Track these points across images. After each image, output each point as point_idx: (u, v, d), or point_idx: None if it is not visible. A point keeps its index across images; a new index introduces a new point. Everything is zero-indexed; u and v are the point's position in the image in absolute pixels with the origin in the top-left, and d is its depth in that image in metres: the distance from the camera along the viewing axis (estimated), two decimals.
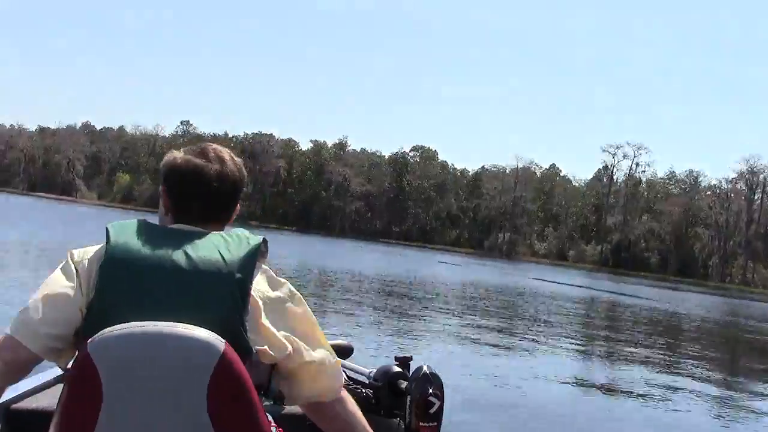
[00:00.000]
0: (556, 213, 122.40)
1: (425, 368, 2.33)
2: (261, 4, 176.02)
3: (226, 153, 1.77)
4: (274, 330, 1.60)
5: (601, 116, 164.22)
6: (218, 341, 1.42)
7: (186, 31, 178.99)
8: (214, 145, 1.80)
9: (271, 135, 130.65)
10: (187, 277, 1.52)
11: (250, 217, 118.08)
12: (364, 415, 1.82)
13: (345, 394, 1.78)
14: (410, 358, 2.55)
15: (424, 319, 17.76)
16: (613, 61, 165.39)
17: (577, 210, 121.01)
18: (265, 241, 1.65)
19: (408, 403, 2.32)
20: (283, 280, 1.71)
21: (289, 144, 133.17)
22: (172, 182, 1.74)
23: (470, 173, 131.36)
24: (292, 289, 1.71)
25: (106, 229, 1.60)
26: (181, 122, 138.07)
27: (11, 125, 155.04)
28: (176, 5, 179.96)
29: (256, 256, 1.61)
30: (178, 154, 1.76)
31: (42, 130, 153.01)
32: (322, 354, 1.70)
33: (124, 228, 1.62)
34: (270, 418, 1.74)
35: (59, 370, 1.67)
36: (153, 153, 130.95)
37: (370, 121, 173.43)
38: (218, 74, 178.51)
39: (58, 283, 1.61)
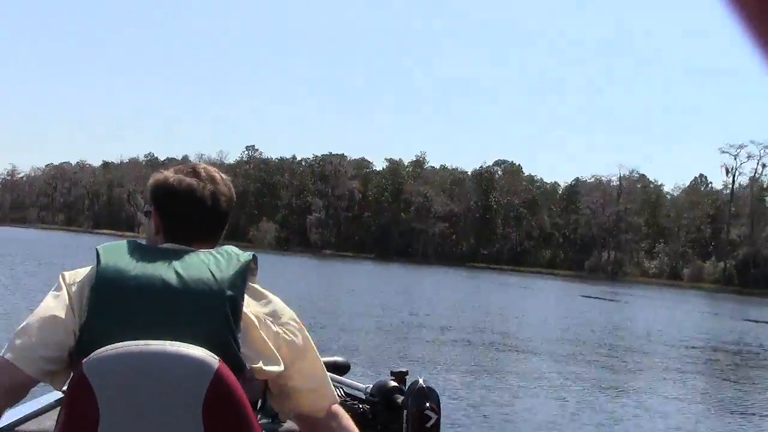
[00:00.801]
0: (665, 226, 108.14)
1: (421, 382, 2.33)
2: (318, 24, 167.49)
3: (216, 173, 1.80)
4: (267, 345, 1.62)
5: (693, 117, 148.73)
6: (212, 359, 1.44)
7: (245, 56, 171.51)
8: (204, 165, 1.83)
9: (342, 155, 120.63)
10: (178, 296, 1.54)
11: (324, 245, 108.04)
12: (362, 430, 1.83)
13: (339, 410, 1.79)
14: (406, 373, 2.60)
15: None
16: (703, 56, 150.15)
17: (689, 222, 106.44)
18: (254, 257, 1.68)
19: (405, 417, 2.31)
20: (272, 296, 1.72)
21: (362, 164, 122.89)
22: (164, 202, 1.75)
23: (562, 187, 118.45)
24: (282, 305, 1.72)
25: (96, 250, 1.62)
26: (246, 147, 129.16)
27: (77, 162, 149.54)
28: (238, 33, 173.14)
29: (246, 273, 1.63)
30: (169, 174, 1.78)
31: (105, 165, 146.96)
32: (313, 369, 1.72)
33: (113, 249, 1.63)
34: None
35: (59, 393, 1.70)
36: None
37: (446, 136, 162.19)
38: (281, 97, 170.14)
39: (51, 305, 1.63)
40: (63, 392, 1.63)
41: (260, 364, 1.59)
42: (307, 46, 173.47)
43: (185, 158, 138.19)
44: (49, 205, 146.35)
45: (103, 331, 1.51)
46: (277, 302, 1.72)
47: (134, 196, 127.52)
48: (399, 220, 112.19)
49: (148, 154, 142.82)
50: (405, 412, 2.33)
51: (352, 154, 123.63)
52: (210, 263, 1.61)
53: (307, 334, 1.74)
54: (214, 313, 1.54)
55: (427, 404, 2.28)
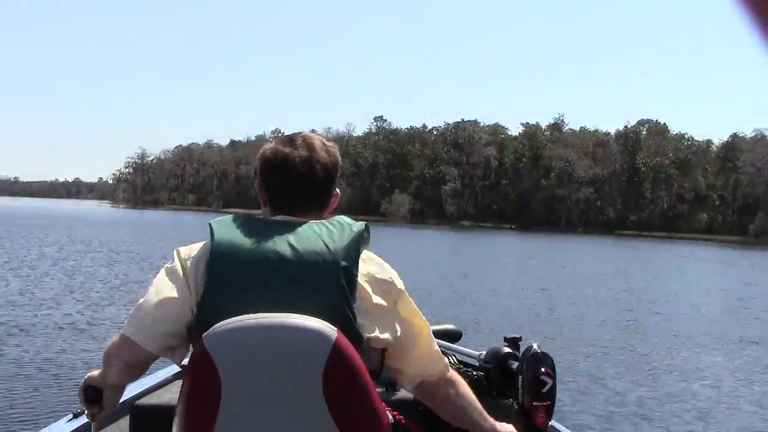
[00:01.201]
0: None
1: (535, 347, 2.31)
2: None
3: (316, 140, 1.75)
4: (382, 314, 1.62)
5: None
6: (330, 329, 1.45)
7: (370, 26, 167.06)
8: (305, 133, 1.78)
9: (475, 122, 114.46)
10: (292, 268, 1.54)
11: (461, 216, 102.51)
12: (476, 397, 1.83)
13: (456, 376, 1.78)
14: (519, 339, 2.58)
15: None
16: None
17: None
18: (367, 227, 1.66)
19: (520, 383, 2.30)
20: (386, 265, 1.71)
21: (497, 130, 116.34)
22: (264, 174, 1.75)
23: (716, 144, 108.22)
24: (394, 273, 1.71)
25: (210, 225, 1.63)
26: (374, 118, 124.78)
27: (205, 142, 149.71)
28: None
29: (360, 242, 1.61)
30: (268, 146, 1.78)
31: (233, 144, 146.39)
32: (425, 337, 1.72)
33: (227, 223, 1.63)
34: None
35: (177, 367, 1.72)
36: (345, 154, 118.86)
37: (583, 97, 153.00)
38: (409, 65, 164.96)
39: (167, 282, 1.64)
40: (181, 366, 1.65)
41: (376, 333, 1.58)
42: (435, 10, 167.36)
43: (312, 132, 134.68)
44: (179, 187, 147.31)
45: (220, 305, 1.51)
46: (390, 270, 1.70)
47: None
48: (539, 186, 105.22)
49: (275, 130, 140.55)
50: (520, 377, 2.30)
51: (485, 121, 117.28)
52: (323, 234, 1.58)
53: (415, 303, 1.71)
54: (330, 285, 1.53)
55: (543, 369, 2.25)
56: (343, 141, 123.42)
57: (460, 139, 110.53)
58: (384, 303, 1.62)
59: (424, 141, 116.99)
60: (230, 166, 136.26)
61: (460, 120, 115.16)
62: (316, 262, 1.53)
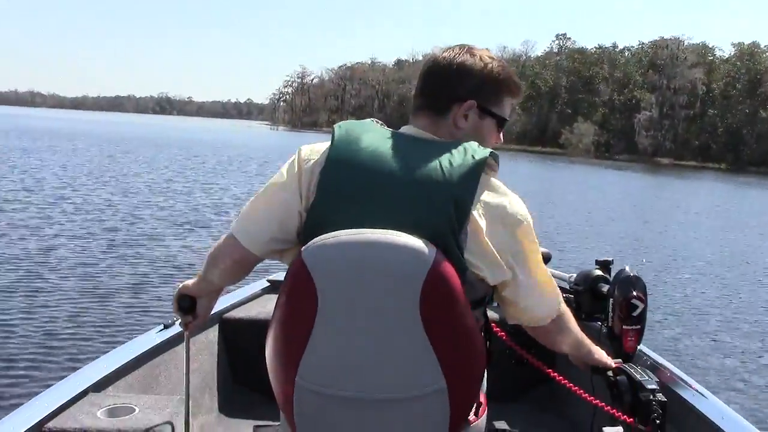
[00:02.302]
0: None
1: (627, 270, 2.29)
2: None
3: (461, 47, 1.65)
4: (492, 253, 1.50)
5: None
6: (430, 248, 1.39)
7: None
8: (466, 44, 1.67)
9: (678, 40, 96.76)
10: (402, 186, 1.46)
11: (656, 152, 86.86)
12: None
13: (565, 309, 1.72)
14: (611, 262, 2.56)
15: None
16: None
17: None
18: (493, 154, 1.53)
19: (610, 306, 2.29)
20: (510, 193, 1.57)
21: (704, 50, 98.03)
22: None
23: None
24: (519, 205, 1.56)
25: (333, 128, 1.57)
26: (556, 36, 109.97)
27: (370, 61, 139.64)
28: None
29: (479, 171, 1.48)
30: None
31: (398, 64, 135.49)
32: (542, 280, 1.63)
33: (350, 129, 1.56)
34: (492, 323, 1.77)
35: (266, 282, 1.91)
36: (522, 76, 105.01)
37: None
38: None
39: (280, 184, 1.59)
40: (269, 281, 1.67)
41: (484, 273, 1.50)
42: None
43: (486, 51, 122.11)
44: (339, 108, 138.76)
45: (326, 214, 1.48)
46: (514, 201, 1.55)
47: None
48: (756, 119, 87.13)
49: (449, 47, 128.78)
50: (611, 300, 2.29)
51: (692, 39, 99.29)
52: (442, 156, 1.47)
53: (537, 242, 1.59)
54: (437, 210, 1.43)
55: (634, 293, 2.23)
56: (519, 62, 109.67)
57: (659, 59, 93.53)
58: (497, 239, 1.49)
59: (614, 62, 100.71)
60: (393, 86, 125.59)
61: (659, 38, 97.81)
62: (427, 184, 1.44)
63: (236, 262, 1.69)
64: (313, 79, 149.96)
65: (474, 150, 1.49)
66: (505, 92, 1.66)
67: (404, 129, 1.63)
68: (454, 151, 1.48)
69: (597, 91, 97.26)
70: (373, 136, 1.53)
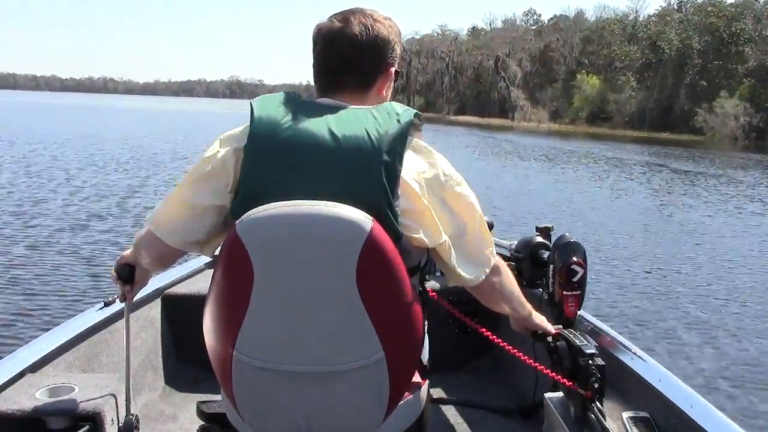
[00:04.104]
0: None
1: (567, 236, 2.31)
2: None
3: (359, 13, 1.62)
4: (428, 215, 1.51)
5: None
6: (366, 219, 1.39)
7: None
8: (357, 8, 1.66)
9: None
10: (331, 156, 1.45)
11: None
12: None
13: (501, 264, 1.70)
14: (551, 228, 2.62)
15: None
16: None
17: None
18: (417, 114, 1.53)
19: (550, 272, 2.31)
20: (438, 156, 1.57)
21: None
22: (313, 51, 1.67)
23: None
24: (449, 167, 1.58)
25: (251, 104, 1.54)
26: None
27: (438, 30, 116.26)
28: None
29: (407, 134, 1.48)
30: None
31: (474, 32, 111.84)
32: (477, 238, 1.62)
33: (268, 102, 1.55)
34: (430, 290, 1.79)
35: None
36: (633, 39, 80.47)
37: None
38: None
39: (199, 173, 1.57)
40: (212, 256, 1.65)
41: (420, 235, 1.49)
42: None
43: (579, 14, 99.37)
44: (405, 87, 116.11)
45: (256, 190, 1.46)
46: (443, 164, 1.56)
47: (505, 62, 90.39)
48: None
49: (529, 11, 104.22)
50: (551, 267, 2.31)
51: None
52: (367, 122, 1.46)
53: (474, 197, 1.60)
54: (369, 178, 1.43)
55: (574, 258, 2.25)
56: (625, 22, 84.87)
57: None
58: (431, 201, 1.51)
59: (758, 17, 74.49)
60: (468, 58, 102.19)
61: None
62: (356, 152, 1.43)
63: (159, 255, 1.69)
64: None
65: (398, 112, 1.49)
66: (402, 49, 1.68)
67: (320, 100, 1.59)
68: (377, 115, 1.48)
69: (741, 55, 71.39)
70: (294, 106, 1.52)
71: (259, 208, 1.40)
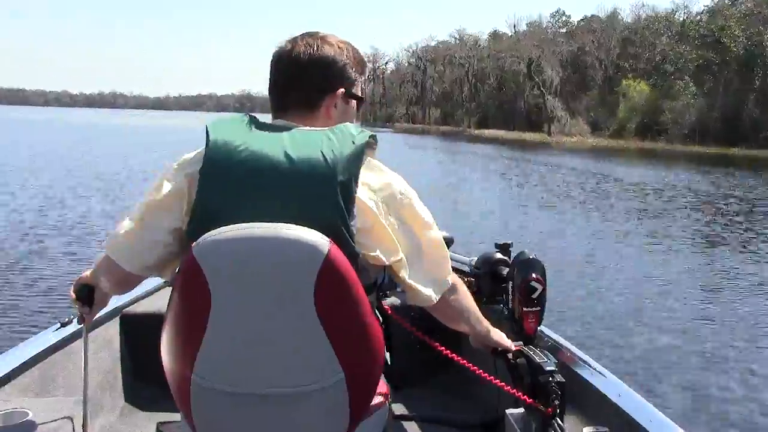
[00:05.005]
0: None
1: (526, 252, 2.33)
2: None
3: (310, 35, 1.68)
4: (384, 233, 1.54)
5: None
6: (323, 240, 1.39)
7: None
8: (313, 32, 1.71)
9: None
10: (286, 178, 1.46)
11: None
12: None
13: (458, 282, 1.73)
14: (510, 245, 2.64)
15: None
16: None
17: None
18: (373, 136, 1.56)
19: (510, 289, 2.34)
20: (392, 174, 1.60)
21: None
22: (271, 70, 1.71)
23: None
24: (403, 185, 1.61)
25: (206, 127, 1.55)
26: None
27: (456, 34, 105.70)
28: None
29: (361, 154, 1.51)
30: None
31: (495, 36, 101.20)
32: (434, 256, 1.64)
33: (224, 125, 1.55)
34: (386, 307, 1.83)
35: None
36: (681, 37, 69.48)
37: None
38: None
39: (155, 197, 1.58)
40: (170, 280, 1.64)
41: (377, 253, 1.51)
42: None
43: (613, 14, 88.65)
44: (420, 97, 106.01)
45: (211, 213, 1.45)
46: (398, 182, 1.59)
47: (538, 66, 79.32)
48: None
49: (557, 11, 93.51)
50: (510, 283, 2.33)
51: None
52: (322, 143, 1.47)
53: (428, 213, 1.62)
54: (325, 199, 1.44)
55: (533, 275, 2.24)
56: (672, 20, 74.07)
57: None
58: (386, 220, 1.53)
59: None
60: (489, 64, 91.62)
61: None
62: (311, 174, 1.45)
63: (118, 280, 1.68)
64: (387, 63, 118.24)
65: (353, 133, 1.51)
66: (360, 73, 1.70)
67: (276, 122, 1.62)
68: (333, 137, 1.49)
69: None
70: (249, 129, 1.53)
71: (216, 230, 1.40)
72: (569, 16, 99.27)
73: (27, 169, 21.60)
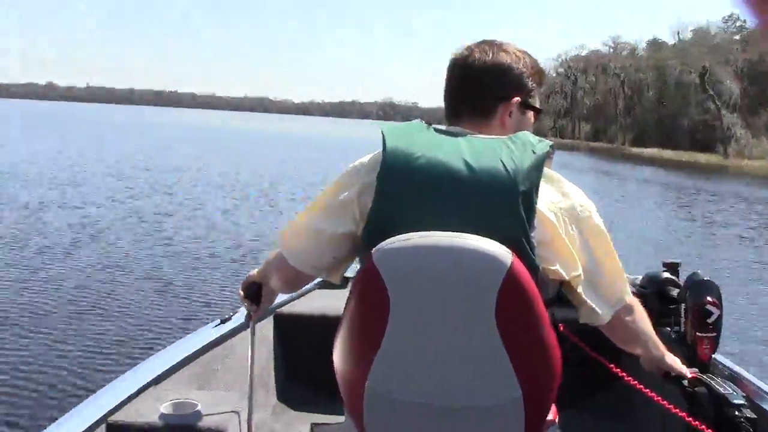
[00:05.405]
0: None
1: (700, 274, 2.24)
2: None
3: (487, 43, 1.66)
4: (564, 246, 1.50)
5: None
6: (506, 253, 1.37)
7: None
8: (491, 39, 1.69)
9: None
10: (466, 187, 1.43)
11: None
12: None
13: (634, 302, 1.66)
14: (679, 264, 2.53)
15: None
16: None
17: None
18: (551, 146, 1.53)
19: (682, 311, 2.26)
20: (571, 186, 1.57)
21: None
22: (449, 77, 1.69)
23: None
24: (583, 198, 1.57)
25: (381, 132, 1.52)
26: None
27: (610, 41, 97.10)
28: None
29: (542, 164, 1.47)
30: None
31: (654, 43, 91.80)
32: (611, 274, 1.58)
33: (400, 131, 1.53)
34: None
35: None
36: None
37: None
38: None
39: (331, 200, 1.59)
40: (325, 278, 1.68)
41: (557, 267, 1.48)
42: None
43: None
44: (569, 110, 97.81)
45: (389, 219, 1.44)
46: (577, 194, 1.55)
47: (712, 75, 69.64)
48: None
49: (730, 17, 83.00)
50: (683, 305, 2.25)
51: None
52: (502, 153, 1.44)
53: (606, 232, 1.57)
54: (506, 209, 1.41)
55: (709, 298, 2.14)
56: None
57: None
58: (566, 233, 1.49)
59: None
60: (649, 76, 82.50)
61: None
62: (492, 183, 1.42)
63: (288, 278, 1.72)
64: None
65: (532, 143, 1.48)
66: (537, 83, 1.66)
67: (452, 129, 1.59)
68: (512, 145, 1.46)
69: None
70: (427, 136, 1.51)
71: (397, 237, 1.39)
72: (744, 21, 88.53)
73: (189, 169, 22.93)
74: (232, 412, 2.32)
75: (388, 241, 1.38)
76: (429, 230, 1.38)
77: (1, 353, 5.64)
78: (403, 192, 1.44)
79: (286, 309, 3.09)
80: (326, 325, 1.85)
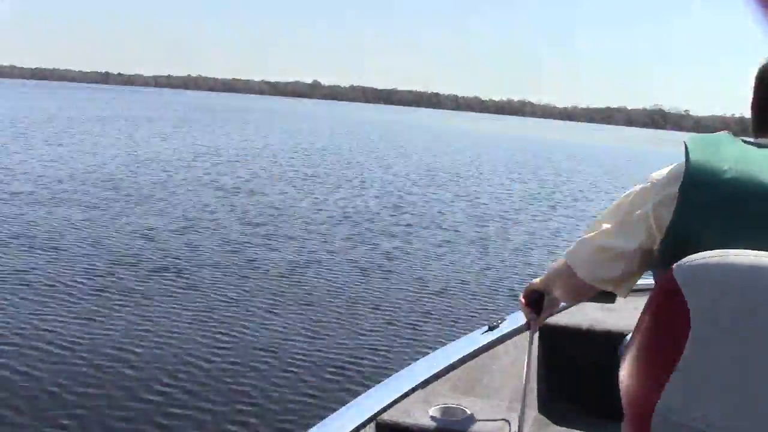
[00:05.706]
0: None
1: None
2: None
3: None
4: None
5: None
6: None
7: None
8: None
9: None
10: None
11: None
12: None
13: None
14: None
15: None
16: None
17: None
18: None
19: None
20: None
21: None
22: (759, 87, 1.56)
23: None
24: None
25: (684, 143, 1.46)
26: None
27: None
28: None
29: None
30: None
31: None
32: None
33: (705, 142, 1.47)
34: None
35: None
36: None
37: None
38: None
39: (626, 211, 1.54)
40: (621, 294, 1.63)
41: None
42: None
43: None
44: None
45: (692, 234, 1.38)
46: None
47: None
48: None
49: None
50: None
51: None
52: None
53: None
54: None
55: None
56: None
57: None
58: None
59: None
60: None
61: None
62: None
63: (572, 288, 1.70)
64: None
65: None
66: None
67: (763, 141, 1.49)
68: None
69: None
70: (735, 148, 1.43)
71: (706, 253, 1.29)
72: None
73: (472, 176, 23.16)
74: (502, 420, 2.32)
75: (693, 256, 1.29)
76: (737, 248, 1.27)
77: (276, 355, 5.70)
78: (708, 206, 1.37)
79: (551, 320, 3.00)
80: (592, 341, 1.85)
